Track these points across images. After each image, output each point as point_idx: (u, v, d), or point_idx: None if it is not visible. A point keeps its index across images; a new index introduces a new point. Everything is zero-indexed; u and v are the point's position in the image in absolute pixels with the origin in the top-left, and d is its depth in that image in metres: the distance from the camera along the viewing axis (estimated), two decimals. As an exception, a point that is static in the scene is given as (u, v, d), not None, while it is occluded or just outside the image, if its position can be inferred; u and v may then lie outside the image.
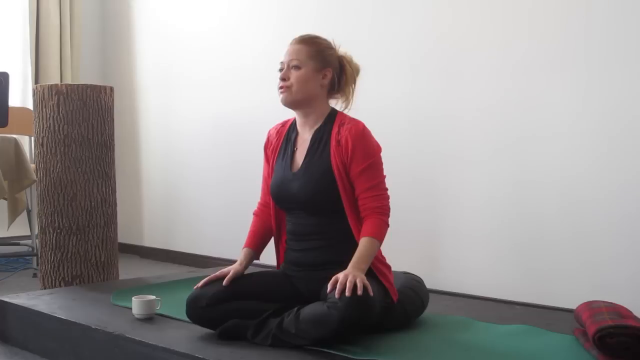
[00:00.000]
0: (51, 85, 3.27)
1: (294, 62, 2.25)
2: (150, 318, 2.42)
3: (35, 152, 3.38)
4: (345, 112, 2.33)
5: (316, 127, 2.29)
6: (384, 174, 2.24)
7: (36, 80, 4.75)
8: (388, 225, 2.20)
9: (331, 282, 2.01)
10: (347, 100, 2.34)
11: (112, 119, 3.40)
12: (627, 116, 2.71)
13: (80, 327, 2.39)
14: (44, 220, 3.28)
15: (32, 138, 4.15)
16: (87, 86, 3.29)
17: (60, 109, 3.23)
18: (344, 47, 2.35)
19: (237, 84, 4.20)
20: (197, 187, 4.47)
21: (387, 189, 2.23)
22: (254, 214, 2.47)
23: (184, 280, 3.09)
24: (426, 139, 3.32)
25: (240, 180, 4.14)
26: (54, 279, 3.24)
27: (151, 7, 4.80)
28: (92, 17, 5.13)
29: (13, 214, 3.95)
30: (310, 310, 2.04)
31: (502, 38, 3.06)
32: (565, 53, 2.87)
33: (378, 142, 2.26)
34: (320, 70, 2.26)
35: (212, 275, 2.27)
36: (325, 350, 1.99)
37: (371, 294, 1.99)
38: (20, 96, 4.72)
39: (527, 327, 2.33)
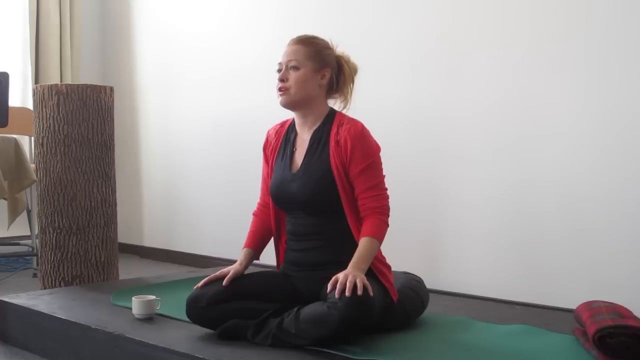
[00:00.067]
0: (51, 85, 3.27)
1: (293, 63, 2.25)
2: (150, 318, 2.42)
3: (35, 152, 3.38)
4: (344, 112, 2.33)
5: (315, 127, 2.29)
6: (384, 173, 2.24)
7: (36, 80, 4.75)
8: (388, 225, 2.20)
9: (331, 282, 2.01)
10: (346, 100, 2.34)
11: (112, 119, 3.40)
12: (627, 116, 2.71)
13: (80, 327, 2.39)
14: (44, 220, 3.28)
15: (32, 138, 4.15)
16: (87, 86, 3.29)
17: (60, 109, 3.23)
18: (344, 47, 2.35)
19: (237, 84, 4.20)
20: (197, 187, 4.47)
21: (386, 189, 2.23)
22: (253, 214, 2.47)
23: (184, 280, 3.09)
24: (426, 138, 3.32)
25: (240, 180, 4.14)
26: (54, 279, 3.24)
27: (151, 7, 4.80)
28: (92, 17, 5.13)
29: (13, 214, 3.95)
30: (310, 310, 2.05)
31: (502, 38, 3.06)
32: (565, 53, 2.87)
33: (377, 141, 2.26)
34: (319, 70, 2.26)
35: (212, 275, 2.27)
36: (325, 350, 1.99)
37: (371, 294, 1.99)
38: (20, 96, 4.72)
39: (527, 327, 2.33)
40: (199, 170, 4.45)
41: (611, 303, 2.19)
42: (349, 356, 1.95)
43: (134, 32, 4.93)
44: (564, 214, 2.87)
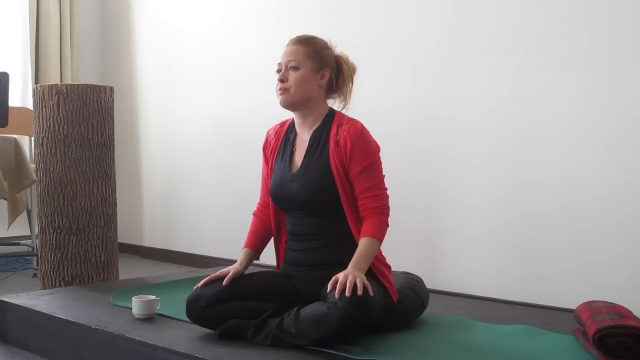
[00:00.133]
0: (51, 85, 3.27)
1: (292, 63, 2.25)
2: (150, 318, 2.42)
3: (35, 152, 3.38)
4: (344, 112, 2.33)
5: (315, 127, 2.29)
6: (384, 173, 2.24)
7: (36, 80, 4.75)
8: (388, 225, 2.20)
9: (331, 282, 2.01)
10: (345, 100, 2.33)
11: (112, 119, 3.40)
12: (627, 117, 2.71)
13: (80, 327, 2.39)
14: (44, 220, 3.28)
15: (32, 138, 4.15)
16: (87, 86, 3.29)
17: (60, 109, 3.23)
18: (344, 47, 2.35)
19: (237, 84, 4.20)
20: (197, 187, 4.47)
21: (386, 189, 2.23)
22: (253, 214, 2.47)
23: (184, 280, 3.09)
24: (426, 139, 3.32)
25: (240, 180, 4.14)
26: (54, 279, 3.24)
27: (151, 7, 4.80)
28: (92, 17, 5.13)
29: (13, 214, 3.95)
30: (310, 310, 2.04)
31: (503, 39, 3.06)
32: (565, 53, 2.87)
33: (377, 141, 2.26)
34: (318, 70, 2.26)
35: (212, 275, 2.27)
36: (325, 350, 1.99)
37: (371, 294, 1.99)
38: (20, 96, 4.72)
39: (527, 327, 2.33)
40: (199, 170, 4.45)
41: (611, 303, 2.19)
42: (349, 356, 1.95)
43: (134, 32, 4.93)
44: (564, 215, 2.87)
